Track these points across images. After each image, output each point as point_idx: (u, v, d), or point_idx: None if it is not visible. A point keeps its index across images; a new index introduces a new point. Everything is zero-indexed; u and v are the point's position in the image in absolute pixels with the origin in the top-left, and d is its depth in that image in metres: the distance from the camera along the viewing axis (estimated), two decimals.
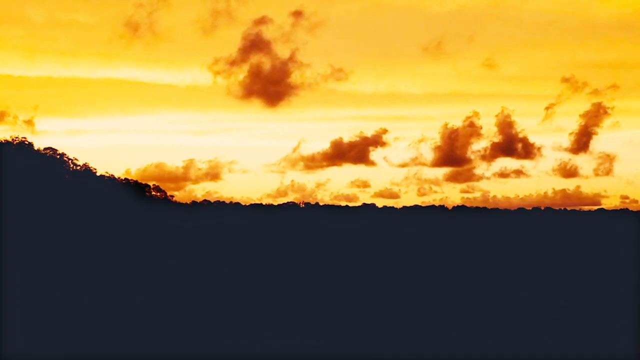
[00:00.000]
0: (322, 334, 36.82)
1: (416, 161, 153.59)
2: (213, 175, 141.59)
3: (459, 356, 32.26)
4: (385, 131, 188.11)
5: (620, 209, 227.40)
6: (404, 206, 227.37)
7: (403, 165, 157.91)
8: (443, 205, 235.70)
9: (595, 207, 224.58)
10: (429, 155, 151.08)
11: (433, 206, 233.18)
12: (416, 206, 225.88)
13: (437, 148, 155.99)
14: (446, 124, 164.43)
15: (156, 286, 52.68)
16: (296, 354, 32.98)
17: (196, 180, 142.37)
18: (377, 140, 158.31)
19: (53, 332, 35.57)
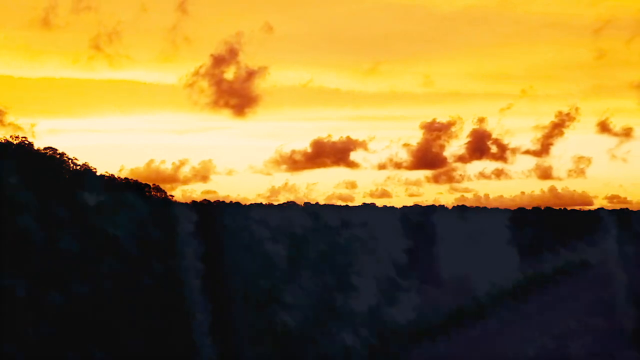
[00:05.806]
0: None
1: (395, 163, 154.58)
2: (202, 176, 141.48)
3: (459, 356, 32.07)
4: (368, 132, 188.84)
5: (621, 209, 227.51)
6: (404, 205, 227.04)
7: (382, 167, 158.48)
8: (443, 205, 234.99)
9: (594, 207, 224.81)
10: (408, 157, 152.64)
11: (433, 206, 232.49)
12: (416, 205, 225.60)
13: (415, 149, 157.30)
14: (424, 125, 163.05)
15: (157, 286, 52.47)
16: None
17: (185, 181, 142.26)
18: (359, 142, 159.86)
19: (52, 331, 35.43)
